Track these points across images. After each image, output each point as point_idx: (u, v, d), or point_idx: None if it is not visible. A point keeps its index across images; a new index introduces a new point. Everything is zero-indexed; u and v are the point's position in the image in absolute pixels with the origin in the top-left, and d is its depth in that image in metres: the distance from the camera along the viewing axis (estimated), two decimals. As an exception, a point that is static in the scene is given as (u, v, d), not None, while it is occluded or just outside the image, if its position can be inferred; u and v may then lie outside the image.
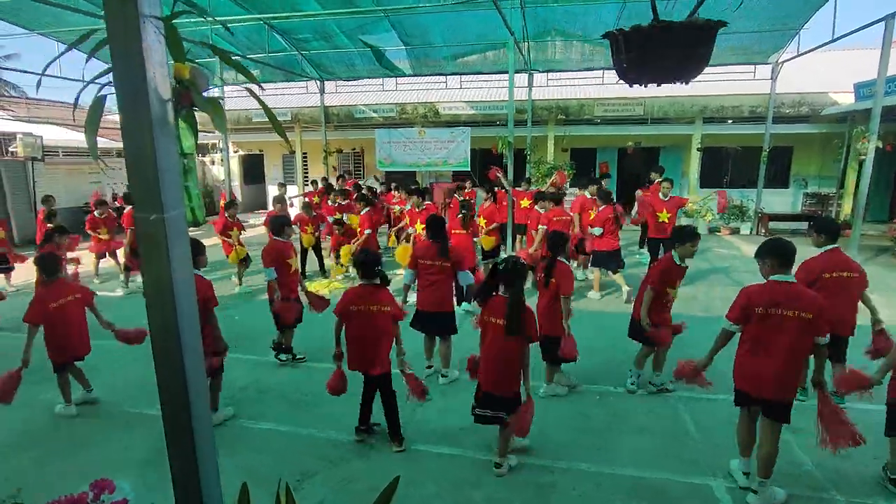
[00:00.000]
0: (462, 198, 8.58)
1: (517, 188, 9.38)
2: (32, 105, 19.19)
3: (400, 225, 9.53)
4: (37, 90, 10.58)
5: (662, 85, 1.86)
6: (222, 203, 11.43)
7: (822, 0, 9.60)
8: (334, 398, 3.79)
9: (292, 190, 15.45)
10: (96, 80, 1.47)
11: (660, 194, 7.74)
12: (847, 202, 12.92)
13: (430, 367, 4.89)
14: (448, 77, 15.37)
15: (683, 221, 10.32)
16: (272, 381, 4.94)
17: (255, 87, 1.98)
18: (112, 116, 13.33)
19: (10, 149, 13.17)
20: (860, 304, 4.09)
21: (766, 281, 3.13)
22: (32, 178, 12.65)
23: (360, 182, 13.96)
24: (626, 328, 4.74)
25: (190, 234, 1.53)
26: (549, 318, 4.31)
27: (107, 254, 8.67)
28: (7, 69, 20.91)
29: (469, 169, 13.81)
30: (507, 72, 9.18)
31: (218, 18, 9.17)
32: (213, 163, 18.23)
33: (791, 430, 3.66)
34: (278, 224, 5.26)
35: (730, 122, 13.95)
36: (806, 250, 4.11)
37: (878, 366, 3.28)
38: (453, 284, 4.96)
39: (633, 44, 1.74)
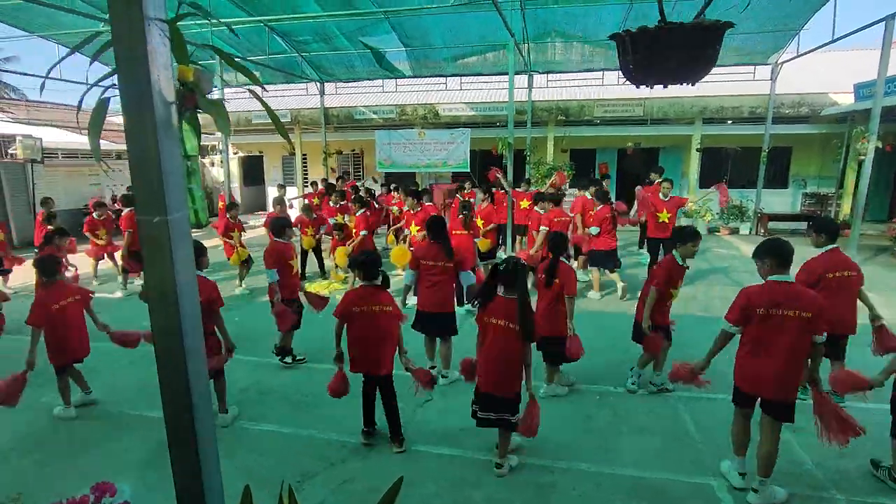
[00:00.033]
0: (463, 198, 8.59)
1: (517, 189, 9.39)
2: (32, 107, 19.19)
3: (398, 224, 9.55)
4: (40, 93, 10.53)
5: (668, 86, 1.86)
6: (221, 205, 11.45)
7: (822, 0, 9.62)
8: (334, 399, 3.78)
9: (292, 191, 15.45)
10: (100, 83, 1.48)
11: (660, 194, 7.75)
12: (846, 202, 12.93)
13: (433, 367, 4.89)
14: (448, 78, 15.40)
15: (683, 221, 10.34)
16: (273, 383, 4.95)
17: (257, 89, 1.98)
18: (112, 118, 13.35)
19: (10, 151, 13.16)
20: (859, 302, 4.12)
21: (764, 281, 3.13)
22: (32, 181, 12.65)
23: (359, 184, 13.97)
24: (625, 328, 4.74)
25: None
26: (550, 319, 4.31)
27: (105, 255, 8.67)
28: (7, 72, 20.88)
29: (469, 170, 13.81)
30: (507, 73, 9.20)
31: (214, 21, 9.22)
32: (212, 164, 18.23)
33: (791, 429, 3.67)
34: (279, 225, 5.27)
35: (729, 122, 13.97)
36: (804, 250, 4.12)
37: (882, 364, 3.29)
38: (454, 285, 4.96)
39: (639, 45, 1.74)
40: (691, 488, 3.31)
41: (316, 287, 8.05)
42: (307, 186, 15.04)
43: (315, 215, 8.54)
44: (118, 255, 8.48)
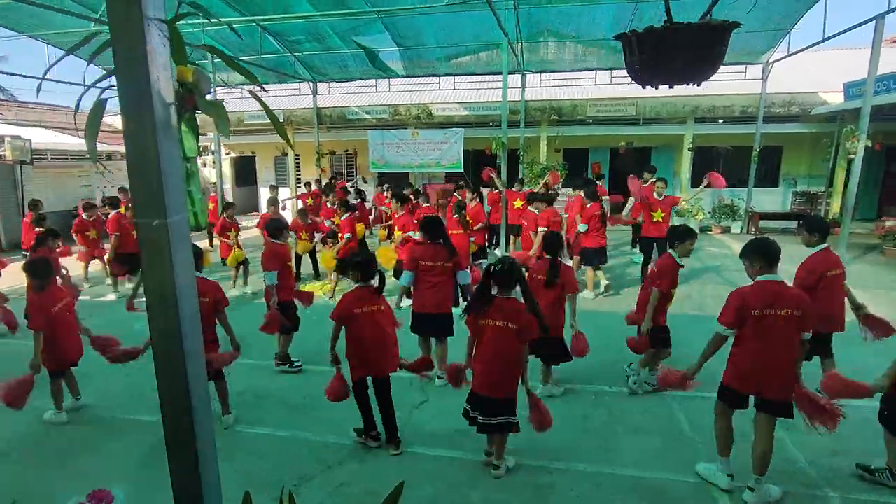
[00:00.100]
0: (460, 198, 8.61)
1: (510, 189, 9.41)
2: (21, 108, 18.97)
3: (389, 222, 9.53)
4: (37, 94, 10.39)
5: (674, 87, 1.86)
6: (212, 206, 11.39)
7: (813, 0, 9.71)
8: (330, 402, 3.74)
9: (284, 192, 15.39)
10: (97, 85, 1.46)
11: (654, 193, 7.79)
12: (836, 201, 13.08)
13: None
14: (441, 78, 15.40)
15: (675, 220, 10.40)
16: (269, 386, 4.92)
17: (256, 89, 1.97)
18: (106, 119, 13.20)
19: (-2, 152, 13.01)
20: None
21: (754, 281, 3.14)
22: (21, 182, 12.51)
23: (349, 184, 13.92)
24: (620, 327, 4.76)
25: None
26: (550, 320, 4.32)
27: (95, 258, 8.58)
28: (-2, 72, 20.55)
29: (462, 170, 13.82)
30: (500, 73, 9.21)
31: (214, 21, 9.15)
32: (204, 165, 18.11)
33: (785, 427, 3.70)
34: (277, 227, 5.25)
35: (721, 121, 14.08)
36: (793, 249, 4.17)
37: (873, 360, 3.32)
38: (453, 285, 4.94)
39: (646, 45, 1.73)
40: (690, 488, 3.32)
41: (310, 289, 8.02)
42: (300, 187, 14.98)
43: (310, 220, 8.50)
44: (107, 258, 8.40)
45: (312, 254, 8.74)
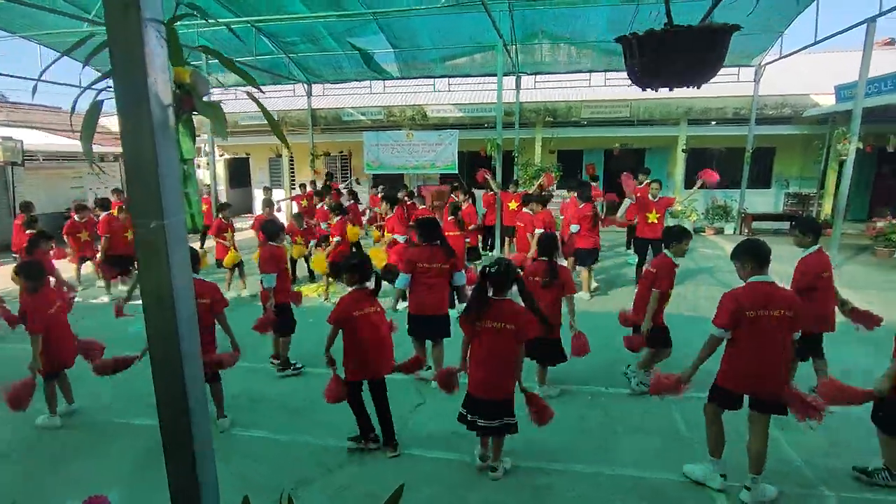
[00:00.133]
0: (456, 199, 8.62)
1: (505, 190, 9.42)
2: (12, 109, 18.79)
3: (382, 223, 9.51)
4: (32, 96, 10.27)
5: (674, 89, 1.87)
6: (205, 208, 11.33)
7: (805, 3, 9.79)
8: (328, 405, 3.71)
9: (278, 193, 15.33)
10: (93, 87, 1.45)
11: (649, 195, 7.82)
12: (827, 202, 13.18)
13: (429, 367, 4.86)
14: (436, 80, 15.39)
15: (669, 221, 10.44)
16: (266, 389, 4.89)
17: (253, 91, 1.96)
18: (99, 120, 13.09)
19: (-11, 153, 12.88)
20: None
21: (746, 283, 3.16)
22: (12, 183, 12.40)
23: (341, 186, 13.89)
24: (616, 328, 4.78)
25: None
26: (549, 320, 4.33)
27: (88, 260, 8.52)
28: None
29: (457, 171, 13.83)
30: (494, 74, 9.24)
31: (211, 22, 9.10)
32: (198, 166, 18.03)
33: (780, 427, 3.73)
34: (274, 230, 5.23)
35: (714, 123, 14.16)
36: (785, 249, 4.20)
37: (867, 359, 3.35)
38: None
39: (646, 48, 1.74)
40: (689, 488, 3.33)
41: (305, 291, 8.00)
42: (294, 188, 14.93)
43: (305, 225, 8.47)
44: (97, 259, 8.34)
45: (307, 257, 8.72)
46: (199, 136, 15.54)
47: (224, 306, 4.10)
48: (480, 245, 9.63)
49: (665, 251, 4.47)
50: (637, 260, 8.19)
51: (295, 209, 11.44)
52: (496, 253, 9.54)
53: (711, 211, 14.01)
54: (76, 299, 4.96)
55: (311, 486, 3.40)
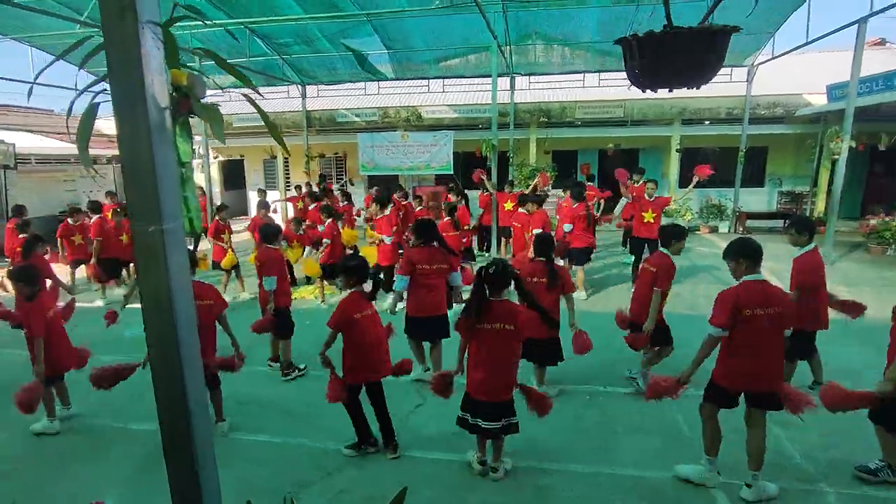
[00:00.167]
0: (454, 199, 8.62)
1: (501, 191, 9.42)
2: (4, 112, 18.65)
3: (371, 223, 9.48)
4: (28, 99, 10.24)
5: (673, 90, 1.88)
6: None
7: (797, 3, 9.86)
8: (328, 408, 3.71)
9: (273, 195, 15.28)
10: (89, 89, 1.43)
11: (645, 195, 7.84)
12: (820, 200, 13.29)
13: (428, 369, 4.85)
14: (431, 81, 15.39)
15: (663, 220, 10.48)
16: (264, 392, 4.86)
17: (250, 92, 1.95)
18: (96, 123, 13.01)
19: (-19, 157, 12.77)
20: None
21: (740, 281, 3.18)
22: (4, 187, 12.31)
23: (335, 187, 13.85)
24: (613, 327, 4.79)
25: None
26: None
27: (82, 262, 8.45)
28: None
29: (452, 172, 13.83)
30: (489, 75, 9.23)
31: (214, 22, 9.07)
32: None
33: (780, 423, 3.74)
34: (272, 232, 5.21)
35: (707, 123, 14.23)
36: (779, 247, 4.22)
37: (862, 359, 3.37)
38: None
39: (646, 50, 1.74)
40: (689, 487, 3.33)
41: (302, 293, 7.99)
42: (289, 190, 14.88)
43: (303, 230, 8.44)
44: (90, 263, 8.28)
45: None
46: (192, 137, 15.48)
47: (224, 308, 4.11)
48: (476, 246, 9.63)
49: (663, 250, 4.48)
50: (633, 259, 8.21)
51: (291, 210, 11.40)
52: (493, 253, 9.54)
53: (706, 210, 14.08)
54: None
55: (311, 489, 3.38)
